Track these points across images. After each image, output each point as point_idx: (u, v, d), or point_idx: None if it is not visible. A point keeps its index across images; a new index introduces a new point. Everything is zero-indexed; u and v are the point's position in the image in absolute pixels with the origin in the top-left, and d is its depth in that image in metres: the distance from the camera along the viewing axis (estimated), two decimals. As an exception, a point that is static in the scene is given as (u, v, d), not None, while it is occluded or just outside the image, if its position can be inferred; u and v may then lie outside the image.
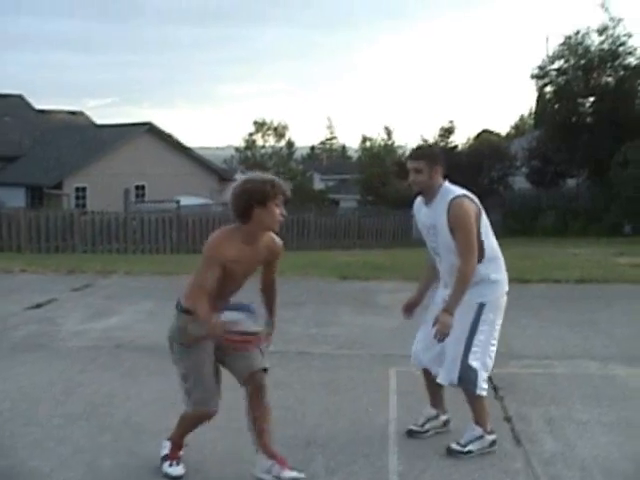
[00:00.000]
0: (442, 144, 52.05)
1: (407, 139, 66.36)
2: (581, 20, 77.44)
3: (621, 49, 37.12)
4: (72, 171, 34.06)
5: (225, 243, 4.49)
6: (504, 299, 5.20)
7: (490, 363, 5.12)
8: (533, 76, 38.70)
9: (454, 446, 5.03)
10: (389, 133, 66.75)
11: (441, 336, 4.94)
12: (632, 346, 8.09)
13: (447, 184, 5.06)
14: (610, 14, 36.67)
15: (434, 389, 5.43)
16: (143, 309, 9.89)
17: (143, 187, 36.78)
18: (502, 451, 5.10)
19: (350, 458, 4.99)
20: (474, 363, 4.99)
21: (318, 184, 64.54)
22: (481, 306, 5.01)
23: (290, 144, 77.87)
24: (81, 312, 9.68)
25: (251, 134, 72.64)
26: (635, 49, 37.10)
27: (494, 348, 5.14)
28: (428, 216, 5.08)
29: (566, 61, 37.82)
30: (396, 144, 65.89)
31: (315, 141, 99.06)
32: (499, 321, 5.15)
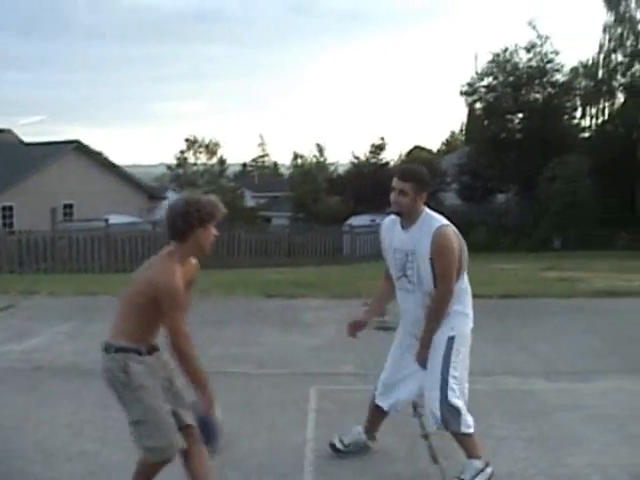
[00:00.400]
0: (373, 161, 52.66)
1: (339, 156, 66.57)
2: (509, 37, 78.64)
3: (549, 66, 38.07)
4: None
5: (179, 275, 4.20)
6: (470, 335, 5.09)
7: (466, 398, 5.00)
8: (462, 93, 39.37)
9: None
10: (321, 150, 66.76)
11: (444, 372, 4.87)
12: (552, 361, 8.21)
13: (428, 210, 4.92)
14: (538, 32, 37.62)
15: (377, 419, 5.39)
16: (64, 330, 9.69)
17: (71, 206, 36.22)
18: (417, 469, 5.12)
19: (264, 478, 4.95)
20: (455, 401, 4.84)
21: (249, 201, 64.38)
22: (450, 340, 4.87)
23: (222, 161, 77.48)
24: (5, 333, 9.47)
25: (182, 152, 72.12)
26: (562, 66, 38.13)
27: (467, 383, 5.05)
28: (405, 241, 4.89)
29: (495, 78, 38.63)
30: (328, 161, 66.02)
31: (247, 158, 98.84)
32: (466, 358, 5.06)
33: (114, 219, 29.56)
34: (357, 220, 41.55)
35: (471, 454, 4.91)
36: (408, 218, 4.89)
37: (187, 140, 72.44)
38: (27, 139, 45.39)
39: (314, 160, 64.96)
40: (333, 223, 42.14)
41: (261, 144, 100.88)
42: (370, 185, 49.11)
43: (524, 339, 9.22)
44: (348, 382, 7.34)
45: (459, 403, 4.85)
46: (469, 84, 38.80)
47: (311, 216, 50.69)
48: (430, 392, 4.91)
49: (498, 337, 9.24)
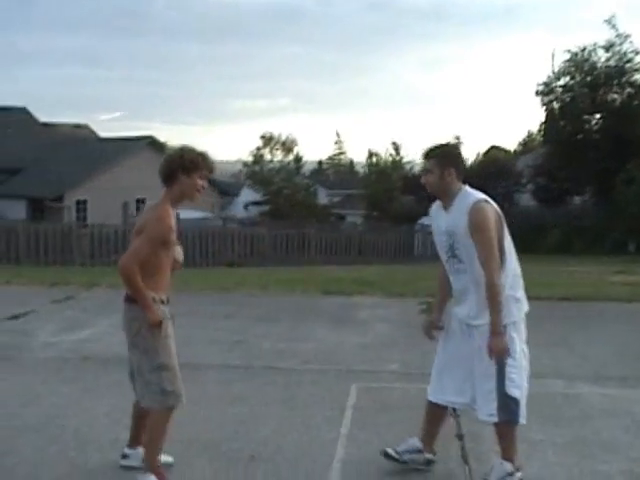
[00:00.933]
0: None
1: (415, 155, 65.95)
2: (588, 36, 77.03)
3: (628, 66, 37.09)
4: (73, 184, 34.12)
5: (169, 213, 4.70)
6: (524, 320, 4.90)
7: (526, 388, 4.83)
8: (538, 93, 38.66)
9: None
10: (397, 149, 66.54)
11: (500, 360, 4.65)
12: (603, 366, 8.02)
13: (467, 188, 4.78)
14: (617, 30, 36.59)
15: (432, 425, 5.14)
16: (117, 322, 9.83)
17: (144, 201, 36.78)
18: (445, 470, 5.07)
19: (292, 473, 4.96)
20: (513, 391, 4.69)
21: (323, 199, 64.52)
22: (504, 327, 4.64)
23: (298, 159, 77.90)
24: (56, 324, 9.69)
25: (259, 148, 72.57)
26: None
27: (527, 372, 4.86)
28: (448, 222, 4.74)
29: (572, 78, 37.78)
30: (404, 160, 65.77)
31: (323, 156, 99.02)
32: (524, 343, 4.89)
33: (185, 214, 29.82)
34: (429, 219, 41.32)
35: (505, 454, 4.77)
36: (445, 198, 4.77)
37: (263, 137, 72.82)
38: (107, 134, 46.45)
39: (389, 158, 64.78)
40: (406, 222, 42.00)
41: (337, 142, 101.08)
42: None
43: (578, 343, 9.05)
44: (390, 380, 7.30)
45: (517, 393, 4.71)
46: (545, 84, 38.06)
47: (385, 215, 50.63)
48: (484, 383, 4.72)
49: (551, 340, 9.09)
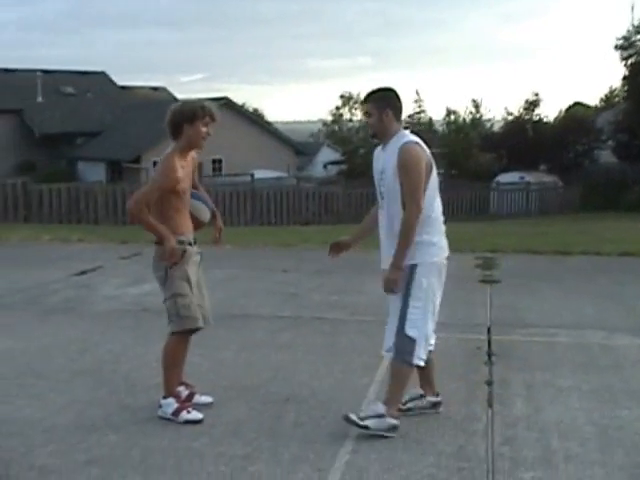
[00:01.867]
0: (527, 117, 51.49)
1: (495, 113, 65.05)
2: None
3: None
4: (150, 146, 34.69)
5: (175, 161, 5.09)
6: (442, 265, 5.01)
7: (431, 333, 5.02)
8: (618, 47, 37.77)
9: (352, 415, 4.86)
10: (477, 106, 65.70)
11: (388, 292, 4.93)
12: (647, 318, 8.11)
13: (405, 131, 4.92)
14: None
15: (421, 369, 5.19)
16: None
17: (220, 161, 37.39)
18: (469, 413, 5.26)
19: (322, 414, 5.24)
20: (411, 332, 4.85)
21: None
22: (412, 268, 4.84)
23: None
24: (121, 279, 10.15)
25: (338, 108, 72.36)
26: None
27: (434, 317, 5.02)
28: (381, 161, 4.94)
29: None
30: (484, 117, 64.93)
31: (403, 115, 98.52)
32: (438, 289, 5.01)
33: (260, 174, 30.35)
34: (506, 177, 41.00)
35: (389, 397, 4.93)
36: (382, 138, 4.94)
37: (342, 96, 72.54)
38: (187, 97, 46.83)
39: (469, 116, 64.08)
40: (484, 180, 41.76)
41: (417, 100, 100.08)
42: (523, 142, 48.26)
43: (628, 297, 9.08)
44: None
45: (415, 333, 4.86)
46: (625, 37, 37.19)
47: (463, 172, 50.33)
48: (391, 321, 5.04)
49: (601, 293, 9.19)
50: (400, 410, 5.10)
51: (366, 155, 60.45)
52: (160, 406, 5.22)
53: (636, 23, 37.18)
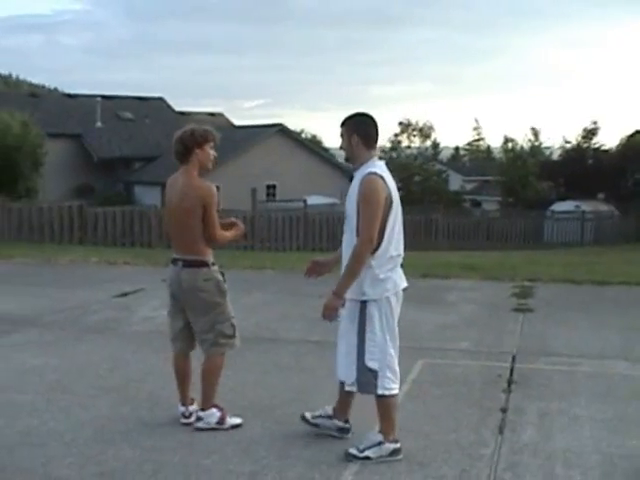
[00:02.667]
0: (585, 145, 51.08)
1: (553, 140, 64.64)
2: None
3: None
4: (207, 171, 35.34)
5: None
6: (396, 297, 5.01)
7: (393, 361, 4.98)
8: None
9: (352, 450, 4.93)
10: (535, 134, 65.47)
11: (326, 318, 4.94)
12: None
13: (375, 161, 4.91)
14: None
15: (342, 395, 5.30)
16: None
17: (274, 187, 37.78)
18: (479, 439, 5.34)
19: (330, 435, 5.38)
20: (371, 364, 4.90)
21: (455, 185, 64.26)
22: (363, 304, 4.87)
23: (435, 145, 77.67)
24: (159, 301, 10.34)
25: (396, 135, 72.60)
26: None
27: (393, 346, 5.00)
28: (351, 186, 4.95)
29: None
30: (543, 145, 64.62)
31: (461, 142, 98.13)
32: (393, 317, 5.01)
33: (312, 200, 30.56)
34: (562, 206, 40.73)
35: (381, 426, 4.98)
36: (354, 164, 4.96)
37: (401, 123, 72.73)
38: (248, 122, 47.54)
39: (528, 144, 63.79)
40: (540, 208, 41.49)
41: (476, 128, 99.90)
42: (581, 170, 47.89)
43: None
44: (456, 357, 7.60)
45: (375, 365, 4.90)
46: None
47: (520, 201, 50.07)
48: (348, 355, 5.00)
49: (631, 324, 9.15)
50: (307, 422, 5.32)
51: (423, 182, 60.59)
52: (200, 418, 5.48)
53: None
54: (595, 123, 52.08)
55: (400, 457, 4.95)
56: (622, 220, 37.06)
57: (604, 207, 40.14)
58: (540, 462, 4.94)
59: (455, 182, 65.65)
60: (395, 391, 5.00)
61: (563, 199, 44.06)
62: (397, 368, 5.03)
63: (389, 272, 4.91)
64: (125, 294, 10.85)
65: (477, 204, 58.17)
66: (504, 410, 5.96)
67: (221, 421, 5.45)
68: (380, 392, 4.94)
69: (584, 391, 6.51)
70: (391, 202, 4.83)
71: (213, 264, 5.47)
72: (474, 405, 6.08)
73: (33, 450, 5.07)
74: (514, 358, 7.51)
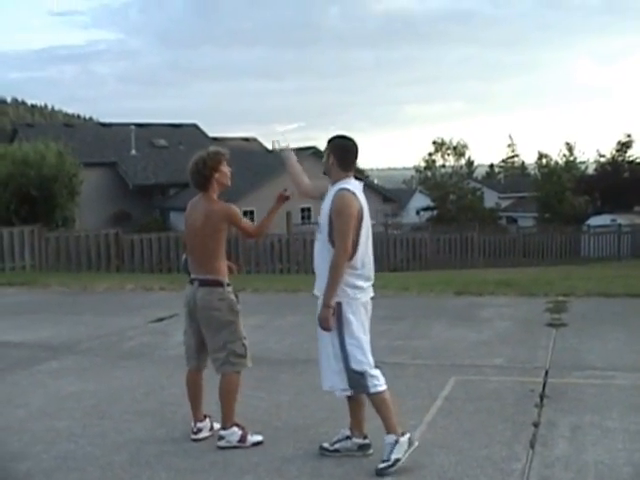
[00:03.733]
0: (620, 159, 50.77)
1: (589, 155, 64.15)
2: None
3: None
4: (240, 195, 35.47)
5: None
6: (366, 302, 5.28)
7: (371, 358, 5.22)
8: None
9: (380, 465, 5.07)
10: (570, 149, 65.19)
11: (325, 330, 5.15)
12: None
13: (352, 180, 5.23)
14: None
15: (352, 411, 5.47)
16: (253, 323, 10.59)
17: (309, 209, 37.89)
18: (511, 454, 5.35)
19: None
20: (356, 366, 5.12)
21: (490, 202, 64.03)
22: (338, 305, 5.10)
23: (470, 163, 77.56)
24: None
25: (430, 154, 72.67)
26: None
27: (367, 346, 5.25)
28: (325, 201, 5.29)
29: None
30: (578, 160, 64.33)
31: (496, 159, 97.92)
32: (364, 323, 5.26)
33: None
34: (597, 220, 40.49)
35: (386, 425, 5.18)
36: (330, 180, 5.29)
37: (435, 142, 72.84)
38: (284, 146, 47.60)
39: (562, 159, 63.54)
40: (576, 223, 41.29)
41: (510, 145, 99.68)
42: (617, 184, 47.59)
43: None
44: (490, 374, 7.58)
45: (359, 367, 5.13)
46: None
47: (556, 216, 49.82)
48: (334, 363, 5.22)
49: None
50: (327, 451, 5.41)
51: (457, 201, 60.52)
52: (222, 437, 5.60)
53: None
54: (629, 136, 51.87)
55: (416, 443, 5.20)
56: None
57: (640, 220, 39.81)
58: (572, 475, 4.94)
59: (490, 199, 65.45)
60: (383, 387, 5.19)
61: (599, 213, 43.78)
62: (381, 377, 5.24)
63: (362, 281, 5.20)
64: (161, 319, 10.96)
65: (513, 221, 57.94)
66: (536, 424, 5.96)
67: (242, 439, 5.58)
68: (372, 390, 5.16)
69: (617, 404, 6.48)
70: (362, 217, 5.12)
71: (228, 285, 5.66)
72: (506, 420, 6.08)
73: (69, 474, 5.19)
74: (547, 373, 7.49)
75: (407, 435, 5.17)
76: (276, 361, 8.34)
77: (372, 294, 5.36)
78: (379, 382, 5.19)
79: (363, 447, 5.44)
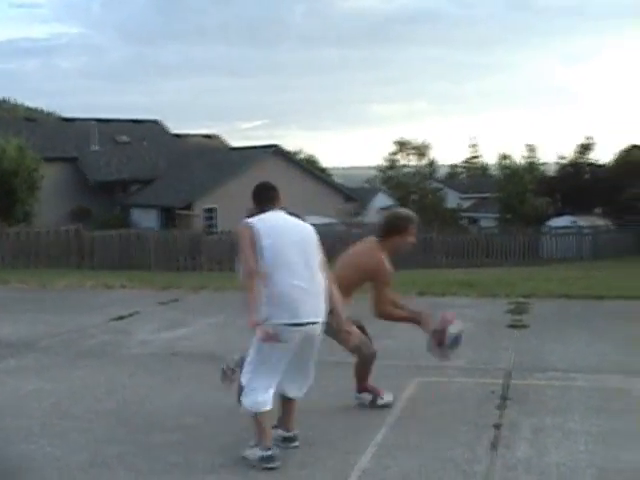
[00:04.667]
0: (581, 161, 51.25)
1: (550, 156, 64.76)
2: None
3: None
4: (202, 192, 35.45)
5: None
6: (282, 332, 5.12)
7: (263, 389, 5.20)
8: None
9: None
10: (531, 150, 65.65)
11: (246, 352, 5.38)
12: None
13: (265, 214, 5.46)
14: None
15: (284, 402, 5.64)
16: (214, 322, 10.57)
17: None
18: (473, 456, 5.35)
19: (328, 454, 5.39)
20: (242, 378, 5.29)
21: (452, 203, 64.29)
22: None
23: (431, 163, 77.79)
24: (156, 324, 10.43)
25: (393, 153, 72.77)
26: None
27: (271, 376, 5.23)
28: None
29: None
30: (540, 161, 64.77)
31: (458, 159, 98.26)
32: (276, 351, 5.18)
33: (309, 220, 30.49)
34: (558, 221, 40.79)
35: (255, 434, 5.27)
36: None
37: (397, 142, 72.92)
38: (246, 143, 47.82)
39: (524, 160, 63.95)
40: (538, 224, 41.56)
41: (473, 145, 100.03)
42: (578, 185, 48.03)
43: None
44: (452, 375, 7.59)
45: (243, 381, 5.26)
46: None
47: (517, 217, 50.12)
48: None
49: (628, 338, 9.15)
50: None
51: (419, 201, 60.67)
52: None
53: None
54: (589, 139, 52.32)
55: (270, 465, 5.17)
56: (619, 234, 37.14)
57: (600, 222, 40.20)
58: (534, 478, 4.95)
59: (452, 200, 65.70)
60: (258, 408, 5.20)
61: (560, 214, 44.13)
62: (265, 399, 5.21)
63: (271, 307, 5.12)
64: (121, 317, 10.86)
65: (474, 221, 58.18)
66: (498, 426, 5.97)
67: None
68: (242, 405, 5.25)
69: (579, 406, 6.51)
70: (256, 238, 5.21)
71: None
72: (469, 422, 6.08)
73: (27, 476, 5.10)
74: (509, 374, 7.53)
75: (265, 452, 5.16)
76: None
77: (310, 319, 5.25)
78: (247, 406, 5.23)
79: (287, 439, 5.55)
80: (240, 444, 5.51)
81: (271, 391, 5.26)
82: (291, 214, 5.62)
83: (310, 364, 5.53)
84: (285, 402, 5.59)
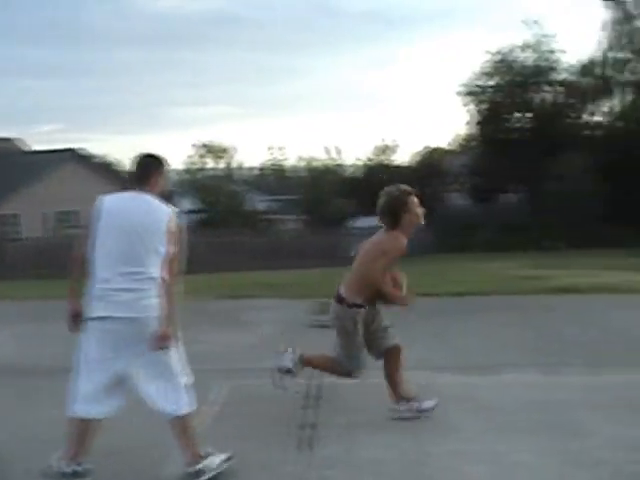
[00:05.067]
0: (381, 162, 52.91)
1: (352, 158, 66.09)
2: (512, 36, 77.52)
3: (550, 65, 37.75)
4: (1, 198, 33.83)
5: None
6: (100, 328, 4.83)
7: (85, 395, 4.87)
8: (460, 93, 39.27)
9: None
10: (333, 152, 67.03)
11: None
12: (470, 356, 8.51)
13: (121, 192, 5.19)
14: (540, 30, 37.23)
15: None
16: (18, 332, 10.20)
17: (77, 212, 36.46)
18: (285, 456, 5.39)
19: (139, 460, 5.32)
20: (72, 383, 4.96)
21: (259, 205, 64.65)
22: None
23: (230, 167, 77.70)
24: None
25: (201, 156, 72.45)
26: (568, 65, 37.80)
27: (90, 380, 4.88)
28: None
29: (495, 77, 38.35)
30: (343, 163, 66.16)
31: (261, 162, 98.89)
32: (93, 353, 4.86)
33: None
34: (364, 222, 41.73)
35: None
36: None
37: (198, 145, 72.59)
38: (44, 147, 45.77)
39: (325, 163, 65.13)
40: (342, 225, 42.39)
41: (279, 148, 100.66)
42: (379, 186, 49.44)
43: (453, 335, 9.52)
44: (262, 377, 7.50)
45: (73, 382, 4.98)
46: (468, 84, 38.73)
47: (321, 218, 50.98)
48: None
49: (427, 334, 9.49)
50: None
51: (224, 203, 60.53)
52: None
53: (479, 70, 38.58)
54: (383, 140, 54.14)
55: None
56: (420, 232, 38.40)
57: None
58: (350, 475, 5.07)
59: (256, 202, 66.07)
60: (78, 415, 4.89)
61: (364, 215, 45.34)
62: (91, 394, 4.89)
63: (95, 295, 4.81)
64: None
65: (276, 223, 58.69)
66: (309, 426, 6.04)
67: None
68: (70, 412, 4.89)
69: (382, 403, 6.57)
70: (96, 218, 4.87)
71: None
72: (281, 423, 6.12)
73: None
74: (318, 375, 7.59)
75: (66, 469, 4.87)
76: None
77: (105, 314, 4.81)
78: (72, 411, 4.92)
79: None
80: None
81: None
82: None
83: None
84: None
